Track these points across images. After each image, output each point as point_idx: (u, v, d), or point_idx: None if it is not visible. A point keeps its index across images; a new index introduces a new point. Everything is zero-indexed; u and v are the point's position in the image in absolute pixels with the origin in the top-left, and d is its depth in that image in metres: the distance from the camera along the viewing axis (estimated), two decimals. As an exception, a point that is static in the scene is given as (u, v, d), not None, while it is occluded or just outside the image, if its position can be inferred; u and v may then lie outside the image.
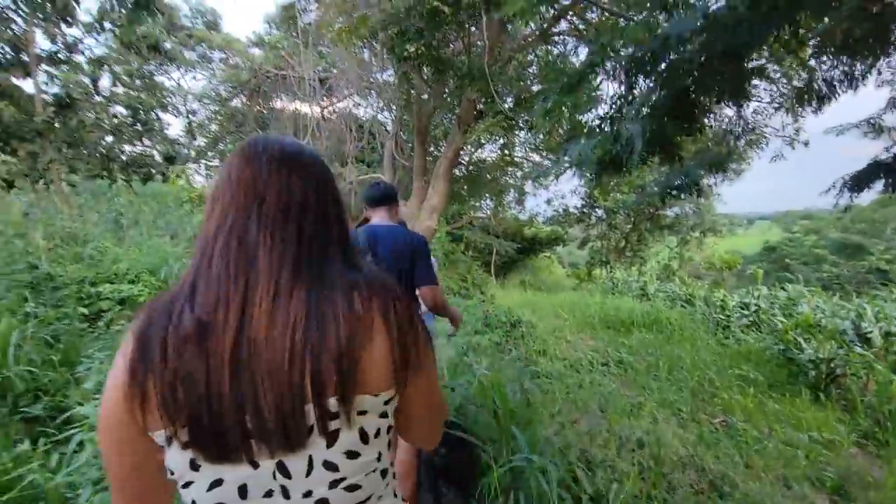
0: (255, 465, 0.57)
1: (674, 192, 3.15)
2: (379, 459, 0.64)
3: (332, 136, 10.21)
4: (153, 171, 9.38)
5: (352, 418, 0.58)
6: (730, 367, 5.10)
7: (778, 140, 7.35)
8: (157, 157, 10.48)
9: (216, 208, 0.62)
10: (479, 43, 6.63)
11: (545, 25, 5.55)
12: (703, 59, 2.04)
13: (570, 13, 7.26)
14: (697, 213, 16.40)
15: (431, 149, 9.64)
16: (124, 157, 9.23)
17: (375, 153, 11.39)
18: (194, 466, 0.56)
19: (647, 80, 2.33)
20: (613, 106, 2.60)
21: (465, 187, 14.75)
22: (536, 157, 17.00)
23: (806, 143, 7.07)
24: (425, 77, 6.22)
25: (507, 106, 5.33)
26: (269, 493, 0.58)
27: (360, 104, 10.13)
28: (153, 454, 0.58)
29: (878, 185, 2.71)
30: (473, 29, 5.69)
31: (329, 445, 0.58)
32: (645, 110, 2.33)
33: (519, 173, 16.50)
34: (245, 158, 0.64)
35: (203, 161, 18.85)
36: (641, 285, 11.34)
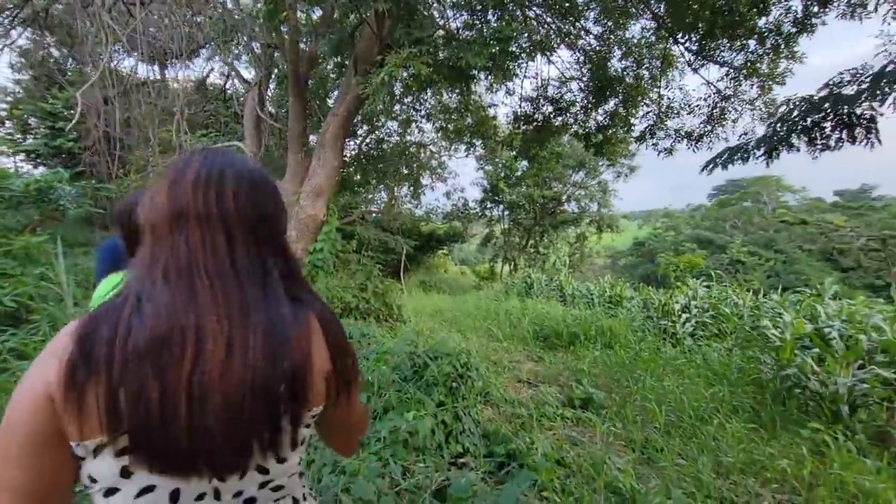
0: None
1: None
2: (299, 463, 0.69)
3: (166, 95, 7.26)
4: None
5: (298, 434, 0.63)
6: (726, 399, 3.91)
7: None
8: None
9: (148, 229, 0.60)
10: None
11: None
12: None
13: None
14: (598, 208, 16.35)
15: (311, 115, 7.27)
16: None
17: (238, 123, 8.62)
18: (125, 474, 0.54)
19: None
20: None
21: (358, 175, 12.52)
22: (434, 148, 15.49)
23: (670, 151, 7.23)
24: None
25: (435, 31, 3.48)
26: (201, 497, 0.59)
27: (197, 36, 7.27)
28: (67, 467, 0.54)
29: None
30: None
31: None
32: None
33: (415, 164, 14.81)
34: (168, 181, 0.61)
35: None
36: (557, 285, 10.37)
